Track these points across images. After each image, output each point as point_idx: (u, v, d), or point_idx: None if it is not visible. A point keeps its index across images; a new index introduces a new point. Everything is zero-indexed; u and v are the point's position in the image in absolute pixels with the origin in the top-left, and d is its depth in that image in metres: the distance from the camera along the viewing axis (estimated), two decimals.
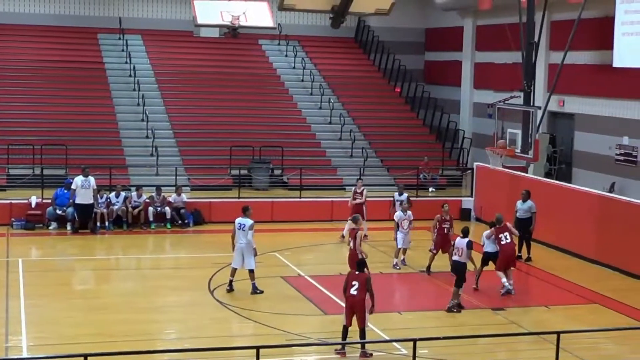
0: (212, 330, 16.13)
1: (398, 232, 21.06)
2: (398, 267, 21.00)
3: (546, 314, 17.89)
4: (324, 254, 22.41)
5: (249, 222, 18.21)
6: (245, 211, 18.46)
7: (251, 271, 18.34)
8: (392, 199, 23.56)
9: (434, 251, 20.54)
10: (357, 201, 23.47)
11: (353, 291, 14.47)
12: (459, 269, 17.64)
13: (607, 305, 18.58)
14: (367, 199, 24.07)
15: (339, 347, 14.63)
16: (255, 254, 18.41)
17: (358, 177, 23.09)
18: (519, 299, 18.65)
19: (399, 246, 21.14)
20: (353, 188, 23.89)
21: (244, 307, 17.46)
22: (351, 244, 18.13)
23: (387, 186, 29.27)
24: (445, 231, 20.33)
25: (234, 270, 18.46)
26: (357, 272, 14.71)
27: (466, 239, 17.67)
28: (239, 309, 17.32)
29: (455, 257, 17.73)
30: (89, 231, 24.55)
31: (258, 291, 18.29)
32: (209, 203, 26.41)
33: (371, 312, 14.62)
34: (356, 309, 14.49)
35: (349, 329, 14.66)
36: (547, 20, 29.02)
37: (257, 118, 32.58)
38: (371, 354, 14.59)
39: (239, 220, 18.32)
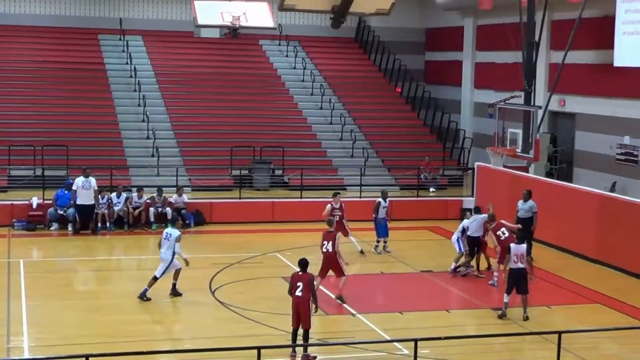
0: (213, 330, 16.13)
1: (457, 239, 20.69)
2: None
3: (547, 313, 17.87)
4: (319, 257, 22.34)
5: (176, 233, 18.07)
6: (174, 222, 18.69)
7: (155, 278, 17.99)
8: (377, 200, 22.81)
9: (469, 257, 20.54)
10: (337, 217, 22.00)
11: (298, 292, 14.28)
12: (523, 276, 17.22)
13: (608, 304, 18.56)
14: (368, 199, 24.00)
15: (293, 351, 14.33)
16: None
17: (336, 191, 22.75)
18: (518, 299, 18.62)
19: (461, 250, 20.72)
20: (329, 204, 21.91)
21: (245, 307, 17.45)
22: (327, 248, 17.84)
23: (388, 186, 29.25)
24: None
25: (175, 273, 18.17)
26: (300, 273, 14.47)
27: (524, 245, 17.51)
28: (240, 310, 17.32)
29: (517, 265, 17.12)
30: (90, 232, 24.54)
31: (145, 298, 17.83)
32: (210, 204, 26.40)
33: (315, 311, 14.49)
34: (300, 310, 14.29)
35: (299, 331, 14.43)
36: (548, 19, 28.99)
37: (257, 118, 32.55)
38: (315, 357, 14.39)
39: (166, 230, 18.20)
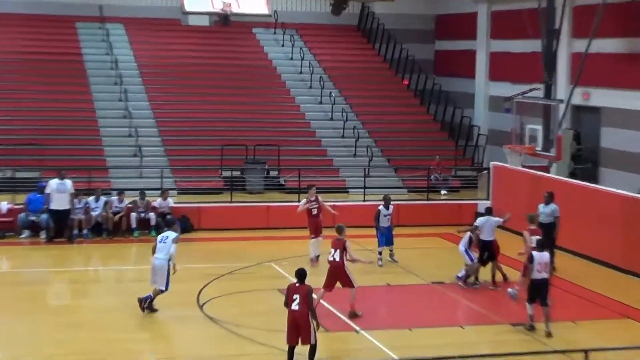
0: (201, 348, 15.95)
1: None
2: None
3: (572, 329, 17.68)
4: (326, 264, 22.18)
5: (173, 234, 17.99)
6: (171, 225, 18.56)
7: (162, 292, 17.81)
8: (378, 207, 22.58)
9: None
10: (314, 211, 22.36)
11: (294, 306, 14.16)
12: (546, 287, 17.11)
13: (639, 318, 18.36)
14: (373, 202, 23.84)
15: None
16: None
17: (312, 185, 22.78)
18: (540, 314, 18.45)
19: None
20: (304, 199, 22.45)
21: (237, 323, 17.28)
22: (334, 257, 17.73)
23: (395, 188, 29.13)
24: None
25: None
26: (297, 284, 14.35)
27: (547, 253, 17.38)
28: (231, 325, 17.15)
29: (541, 275, 17.03)
30: (66, 240, 24.40)
31: (150, 309, 17.72)
32: (198, 208, 26.30)
33: (317, 328, 14.30)
34: (299, 325, 14.14)
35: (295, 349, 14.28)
36: (569, 4, 28.89)
37: (251, 114, 32.42)
38: None
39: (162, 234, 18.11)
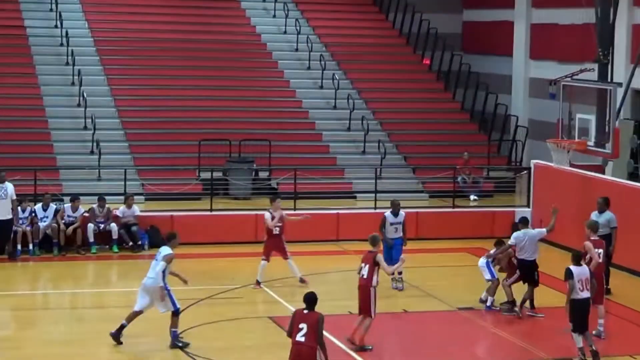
0: None
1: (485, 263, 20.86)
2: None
3: None
4: (327, 285, 22.37)
5: (167, 250, 18.29)
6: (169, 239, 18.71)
7: (177, 313, 18.17)
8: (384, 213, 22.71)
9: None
10: (277, 230, 22.31)
11: (300, 337, 14.22)
12: (588, 308, 17.48)
13: None
14: (383, 209, 23.80)
15: None
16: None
17: (274, 195, 22.95)
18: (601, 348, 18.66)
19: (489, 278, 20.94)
20: (267, 212, 22.46)
21: (218, 358, 17.41)
22: (363, 273, 18.05)
23: (413, 193, 29.30)
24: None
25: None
26: (306, 311, 14.47)
27: (585, 267, 17.68)
28: None
29: (584, 294, 17.31)
30: (7, 257, 24.47)
31: (180, 344, 18.05)
32: (171, 217, 26.39)
33: None
34: None
35: None
36: None
37: (235, 102, 32.58)
38: None
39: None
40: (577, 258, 17.62)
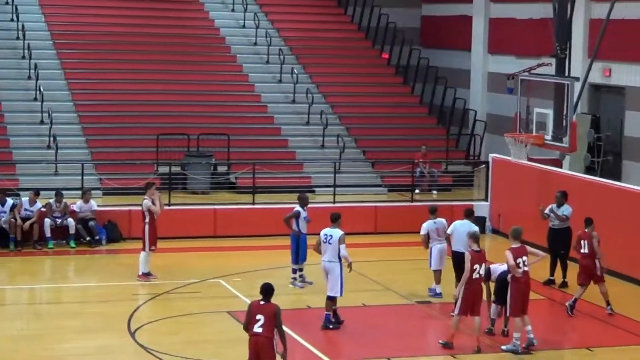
0: None
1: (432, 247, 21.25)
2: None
3: (588, 358, 17.92)
4: (287, 279, 22.39)
5: (338, 232, 18.87)
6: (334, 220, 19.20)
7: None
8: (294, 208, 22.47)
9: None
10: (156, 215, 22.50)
11: (257, 328, 14.23)
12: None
13: None
14: (345, 204, 23.91)
15: None
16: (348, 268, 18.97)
17: (150, 181, 23.21)
18: (551, 339, 18.72)
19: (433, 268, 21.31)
20: (145, 199, 22.55)
21: (177, 353, 17.37)
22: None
23: (372, 187, 29.35)
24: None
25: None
26: (262, 302, 14.45)
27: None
28: (170, 357, 17.24)
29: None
30: None
31: (331, 326, 18.78)
32: (129, 212, 26.30)
33: (283, 358, 14.47)
34: (261, 351, 14.22)
35: None
36: None
37: (193, 96, 32.52)
38: None
39: (325, 231, 19.11)
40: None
